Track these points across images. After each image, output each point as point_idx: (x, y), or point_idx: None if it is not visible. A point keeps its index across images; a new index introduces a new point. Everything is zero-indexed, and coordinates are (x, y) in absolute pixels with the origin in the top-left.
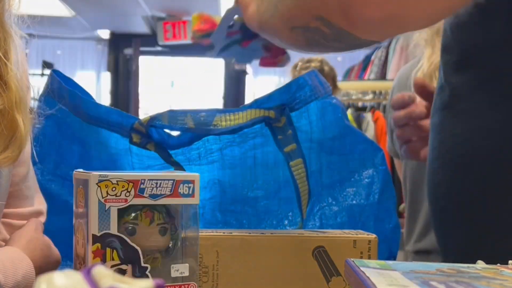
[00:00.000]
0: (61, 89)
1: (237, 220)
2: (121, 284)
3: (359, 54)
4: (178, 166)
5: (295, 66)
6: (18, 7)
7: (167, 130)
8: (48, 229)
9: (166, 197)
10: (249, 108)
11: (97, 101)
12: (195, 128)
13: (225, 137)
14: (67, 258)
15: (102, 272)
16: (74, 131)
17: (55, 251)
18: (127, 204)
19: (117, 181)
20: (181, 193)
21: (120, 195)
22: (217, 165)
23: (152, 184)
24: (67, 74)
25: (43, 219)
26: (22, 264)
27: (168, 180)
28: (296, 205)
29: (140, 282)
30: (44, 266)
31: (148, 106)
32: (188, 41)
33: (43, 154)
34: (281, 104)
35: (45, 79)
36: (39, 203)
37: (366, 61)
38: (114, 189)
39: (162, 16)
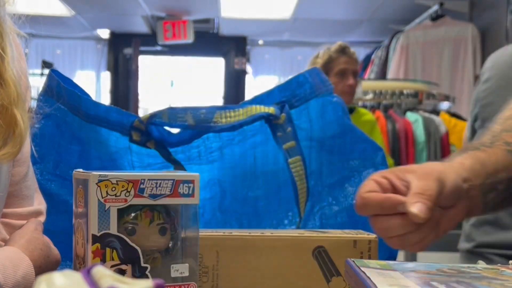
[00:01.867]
0: (60, 89)
1: (237, 220)
2: (120, 284)
3: (359, 54)
4: (178, 165)
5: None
6: (13, 3)
7: (167, 128)
8: (48, 229)
9: (166, 197)
10: (249, 105)
11: (97, 100)
12: (195, 125)
13: (225, 135)
14: (67, 258)
15: (102, 272)
16: (73, 131)
17: (55, 251)
18: (127, 204)
19: (117, 181)
20: (181, 193)
21: (120, 195)
22: (217, 164)
23: (152, 184)
24: (67, 73)
25: (42, 219)
26: (22, 264)
27: (168, 180)
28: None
29: (140, 282)
30: (44, 266)
31: (148, 106)
32: (188, 40)
33: (43, 154)
34: (281, 101)
35: (45, 79)
36: (39, 203)
37: (367, 60)
38: (114, 189)
39: (162, 16)
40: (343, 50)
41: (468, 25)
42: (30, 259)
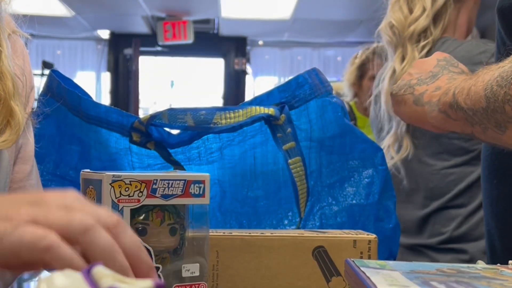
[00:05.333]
0: (60, 89)
1: (237, 220)
2: (121, 284)
3: None
4: (178, 166)
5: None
6: (9, 2)
7: (167, 129)
8: None
9: (177, 197)
10: (248, 106)
11: (97, 101)
12: (195, 126)
13: (225, 136)
14: None
15: (102, 272)
16: (73, 131)
17: None
18: (140, 204)
19: (130, 181)
20: (192, 193)
21: (133, 195)
22: (217, 165)
23: (164, 184)
24: (67, 74)
25: None
26: None
27: (180, 180)
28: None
29: (140, 282)
30: None
31: (148, 106)
32: (188, 41)
33: (43, 154)
34: (280, 102)
35: (45, 79)
36: None
37: None
38: (127, 189)
39: (162, 16)
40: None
41: None
42: None
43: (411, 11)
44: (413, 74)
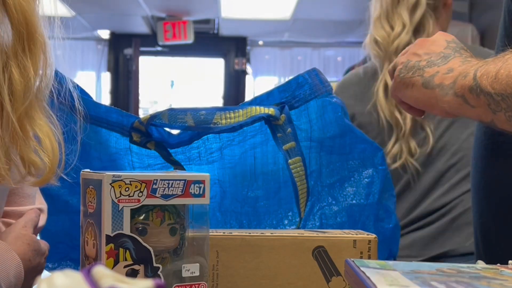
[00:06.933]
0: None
1: (237, 220)
2: (121, 284)
3: (359, 54)
4: (178, 165)
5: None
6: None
7: (167, 129)
8: (48, 229)
9: (177, 197)
10: (249, 106)
11: (97, 101)
12: (195, 126)
13: (225, 136)
14: (67, 258)
15: (102, 271)
16: (73, 131)
17: (44, 244)
18: (140, 204)
19: (130, 181)
20: (192, 193)
21: (133, 195)
22: (217, 165)
23: (164, 184)
24: (67, 74)
25: (44, 218)
26: (12, 264)
27: (180, 180)
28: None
29: (140, 282)
30: (33, 259)
31: (148, 106)
32: (188, 41)
33: None
34: (280, 102)
35: None
36: (40, 203)
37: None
38: (127, 189)
39: (162, 16)
40: None
41: (467, 26)
42: (18, 253)
43: (392, 27)
44: (421, 55)
